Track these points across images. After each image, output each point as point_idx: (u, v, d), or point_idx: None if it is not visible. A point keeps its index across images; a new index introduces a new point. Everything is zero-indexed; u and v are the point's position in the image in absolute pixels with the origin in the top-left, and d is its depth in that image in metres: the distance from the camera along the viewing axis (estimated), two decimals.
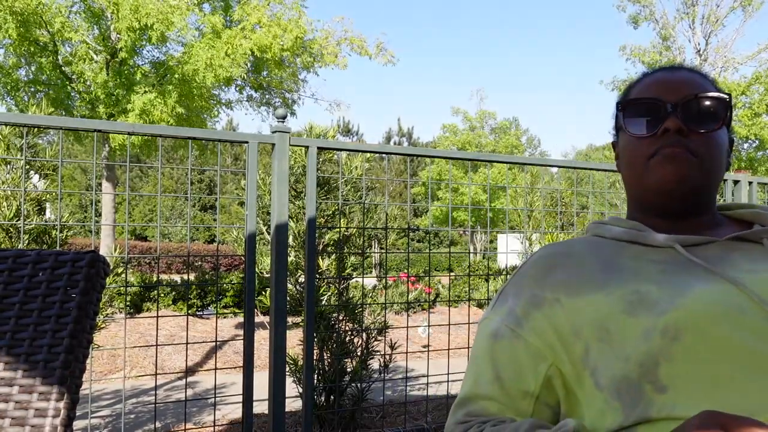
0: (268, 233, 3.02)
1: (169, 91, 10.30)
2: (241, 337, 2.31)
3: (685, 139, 0.77)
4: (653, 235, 0.77)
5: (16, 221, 2.83)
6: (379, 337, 3.21)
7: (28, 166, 2.95)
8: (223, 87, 12.06)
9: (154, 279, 8.75)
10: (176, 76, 10.45)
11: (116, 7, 9.76)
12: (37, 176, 3.06)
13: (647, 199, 0.82)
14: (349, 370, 3.08)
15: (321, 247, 3.30)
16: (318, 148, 2.52)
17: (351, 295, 3.27)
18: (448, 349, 2.86)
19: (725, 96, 0.80)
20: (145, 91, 10.26)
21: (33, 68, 10.83)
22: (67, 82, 10.73)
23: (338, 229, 3.24)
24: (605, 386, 0.67)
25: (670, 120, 0.77)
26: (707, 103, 0.79)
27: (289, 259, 3.26)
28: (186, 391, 2.50)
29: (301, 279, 3.23)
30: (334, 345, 3.00)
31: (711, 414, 0.50)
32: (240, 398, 2.34)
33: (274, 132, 2.39)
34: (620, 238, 0.80)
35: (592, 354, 0.69)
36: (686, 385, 0.62)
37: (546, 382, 0.73)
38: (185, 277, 9.63)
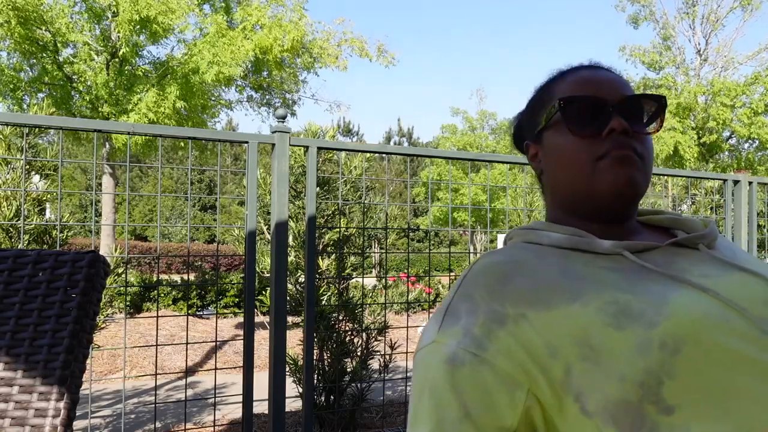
0: (268, 233, 3.02)
1: (170, 85, 10.30)
2: (241, 337, 2.31)
3: (631, 141, 0.73)
4: (597, 241, 0.71)
5: (16, 221, 2.83)
6: (379, 337, 3.21)
7: (28, 167, 2.95)
8: (224, 87, 12.06)
9: (154, 279, 8.75)
10: (178, 73, 10.45)
11: (117, 2, 9.77)
12: (37, 176, 3.06)
13: (589, 203, 0.75)
14: (349, 370, 3.08)
15: (321, 247, 3.31)
16: (318, 148, 2.52)
17: (351, 295, 3.27)
18: None
19: (663, 98, 0.78)
20: (147, 90, 10.26)
21: (35, 68, 10.84)
22: (68, 82, 10.73)
23: (338, 229, 3.24)
24: (595, 412, 0.59)
25: (616, 120, 0.73)
26: (646, 104, 0.77)
27: (289, 259, 3.27)
28: (186, 391, 2.50)
29: (301, 279, 3.23)
30: (334, 345, 3.00)
31: None
32: (240, 398, 2.34)
33: (274, 132, 2.39)
34: (561, 245, 0.72)
35: (575, 375, 0.60)
36: (696, 402, 0.56)
37: (524, 413, 0.61)
38: (185, 277, 9.63)
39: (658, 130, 0.78)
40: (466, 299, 0.68)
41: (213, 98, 12.37)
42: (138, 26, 9.80)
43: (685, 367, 0.57)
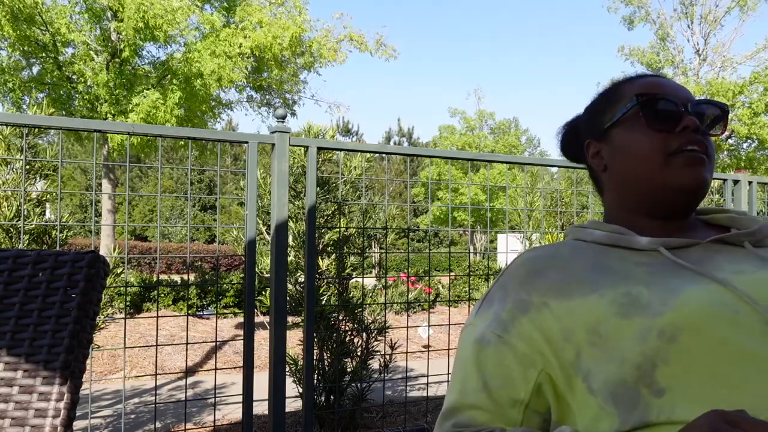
0: (268, 233, 3.01)
1: (172, 90, 10.30)
2: (241, 337, 2.31)
3: (702, 138, 0.78)
4: (636, 237, 0.76)
5: (16, 221, 2.83)
6: (379, 337, 3.21)
7: (28, 167, 2.95)
8: (224, 88, 12.06)
9: (154, 279, 8.75)
10: (179, 77, 10.45)
11: (121, 7, 9.76)
12: (37, 176, 3.06)
13: (657, 196, 0.79)
14: (349, 370, 3.08)
15: (321, 247, 3.31)
16: (318, 148, 2.52)
17: (351, 295, 3.27)
18: (448, 349, 2.86)
19: (727, 106, 0.83)
20: (147, 90, 10.26)
21: (35, 68, 10.84)
22: (68, 83, 10.73)
23: (338, 229, 3.24)
24: (599, 391, 0.65)
25: (689, 118, 0.77)
26: (713, 109, 0.81)
27: (289, 259, 3.27)
28: (186, 391, 2.50)
29: (301, 279, 3.23)
30: (334, 345, 3.00)
31: (719, 413, 0.50)
32: (240, 398, 2.34)
33: (273, 132, 2.39)
34: (601, 241, 0.78)
35: (584, 358, 0.67)
36: (685, 387, 0.61)
37: (536, 389, 0.71)
38: (185, 277, 9.63)
39: (722, 134, 0.83)
40: (500, 289, 0.79)
41: (213, 100, 12.36)
42: (142, 34, 9.81)
43: (680, 355, 0.62)
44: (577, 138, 0.93)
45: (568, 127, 0.96)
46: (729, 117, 0.84)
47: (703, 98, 0.84)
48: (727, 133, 17.38)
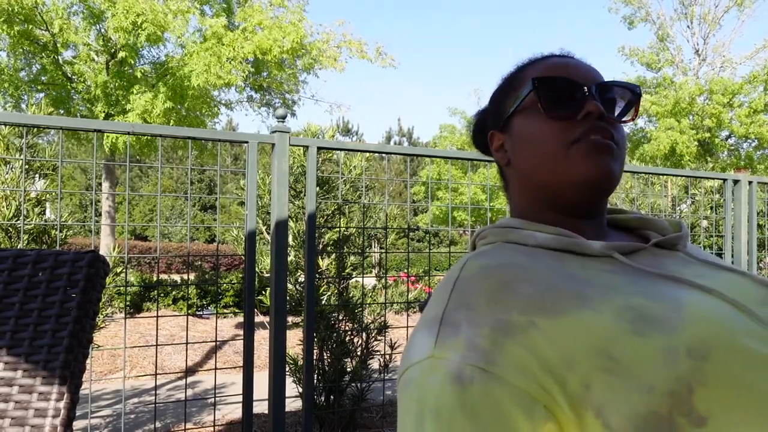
0: (268, 233, 3.02)
1: (161, 90, 10.31)
2: (241, 337, 2.31)
3: (607, 126, 0.69)
4: (586, 242, 0.65)
5: (16, 221, 2.83)
6: (379, 337, 3.21)
7: (28, 167, 2.95)
8: (224, 88, 12.06)
9: (154, 279, 8.75)
10: (173, 78, 10.47)
11: (112, 5, 9.78)
12: (42, 181, 3.06)
13: (559, 192, 0.70)
14: (349, 370, 3.08)
15: (321, 246, 3.30)
16: (318, 147, 2.52)
17: (351, 295, 3.27)
18: None
19: (638, 87, 0.75)
20: (144, 91, 10.27)
21: (35, 69, 10.84)
22: (67, 83, 10.73)
23: (338, 229, 3.24)
24: (620, 428, 0.53)
25: (592, 103, 0.68)
26: (622, 92, 0.73)
27: (289, 258, 3.27)
28: (186, 391, 2.50)
29: (301, 279, 3.23)
30: (334, 345, 3.00)
31: None
32: (240, 398, 2.34)
33: (273, 132, 2.39)
34: (549, 246, 0.66)
35: (595, 388, 0.53)
36: (729, 412, 0.52)
37: None
38: (185, 277, 9.63)
39: (633, 120, 0.74)
40: (463, 307, 0.60)
41: (210, 99, 12.36)
42: (130, 32, 9.82)
43: (716, 374, 0.53)
44: (484, 129, 0.84)
45: (478, 116, 0.86)
46: (641, 99, 0.75)
47: (611, 80, 0.73)
48: (726, 132, 17.40)
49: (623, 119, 0.73)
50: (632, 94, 0.74)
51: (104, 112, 10.34)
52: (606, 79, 0.73)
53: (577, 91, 0.70)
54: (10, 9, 9.17)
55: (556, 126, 0.69)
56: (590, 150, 0.67)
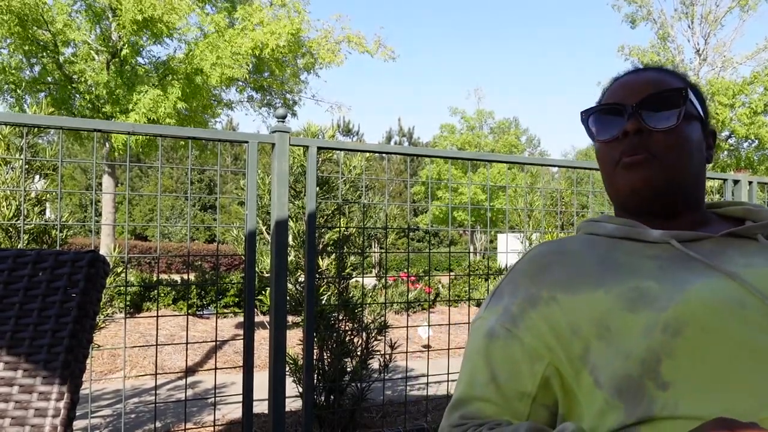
0: (268, 233, 3.02)
1: (172, 86, 10.30)
2: (241, 337, 2.31)
3: (646, 140, 0.77)
4: (647, 230, 0.76)
5: (16, 221, 2.83)
6: (379, 337, 3.21)
7: (28, 167, 2.95)
8: (224, 88, 12.07)
9: (154, 279, 8.75)
10: (180, 73, 10.46)
11: (119, 2, 9.76)
12: (37, 176, 3.06)
13: (622, 201, 0.83)
14: (349, 369, 3.08)
15: (321, 246, 3.30)
16: (318, 147, 2.52)
17: (351, 295, 3.27)
18: (448, 349, 2.86)
19: (680, 87, 0.79)
20: (147, 90, 10.26)
21: (36, 68, 10.84)
22: (68, 82, 10.73)
23: (338, 229, 3.24)
24: (605, 385, 0.66)
25: (629, 122, 0.78)
26: (663, 98, 0.78)
27: (289, 258, 3.26)
28: (186, 391, 2.50)
29: (301, 279, 3.23)
30: (334, 345, 3.00)
31: (726, 421, 0.49)
32: (240, 398, 2.34)
33: (273, 132, 2.39)
34: (613, 234, 0.79)
35: (592, 352, 0.67)
36: (688, 382, 0.61)
37: (543, 383, 0.71)
38: (185, 276, 9.63)
39: (677, 124, 0.78)
40: (510, 283, 0.80)
41: (214, 99, 12.37)
42: (141, 26, 9.80)
43: (684, 349, 0.62)
44: None
45: None
46: (687, 99, 0.79)
47: (658, 90, 0.79)
48: (726, 132, 17.41)
49: (666, 126, 0.78)
50: (676, 95, 0.79)
51: (111, 112, 10.33)
52: (659, 89, 0.80)
53: (620, 113, 0.80)
54: (20, 9, 9.16)
55: (606, 147, 0.82)
56: (625, 170, 0.79)
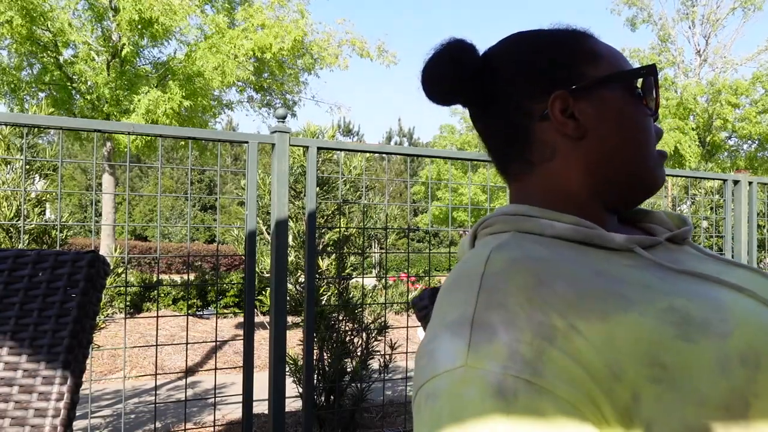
0: (268, 233, 3.02)
1: (174, 87, 10.30)
2: (241, 337, 2.31)
3: None
4: (608, 234, 0.60)
5: (16, 221, 2.83)
6: (379, 337, 3.21)
7: (28, 167, 2.95)
8: (226, 88, 12.08)
9: (154, 279, 8.75)
10: (180, 75, 10.47)
11: (120, 1, 9.77)
12: (37, 176, 3.06)
13: (635, 189, 0.66)
14: (349, 370, 3.08)
15: (321, 247, 3.31)
16: (318, 148, 2.52)
17: (351, 295, 3.27)
18: None
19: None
20: (148, 91, 10.27)
21: (36, 68, 10.84)
22: (69, 83, 10.74)
23: (338, 229, 3.24)
24: None
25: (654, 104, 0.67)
26: None
27: (289, 259, 3.27)
28: (186, 391, 2.50)
29: (301, 279, 3.23)
30: (334, 345, 3.00)
31: None
32: (240, 398, 2.34)
33: (273, 132, 2.39)
34: (568, 237, 0.60)
35: (645, 401, 0.48)
36: None
37: None
38: (185, 277, 9.63)
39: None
40: (496, 308, 0.52)
41: (214, 99, 12.38)
42: (139, 26, 9.80)
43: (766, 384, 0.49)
44: (493, 77, 0.68)
45: (472, 54, 0.69)
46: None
47: None
48: (726, 133, 17.43)
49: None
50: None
51: (111, 112, 10.34)
52: None
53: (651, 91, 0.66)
54: (28, 6, 9.14)
55: (647, 122, 0.66)
56: (660, 162, 0.68)
